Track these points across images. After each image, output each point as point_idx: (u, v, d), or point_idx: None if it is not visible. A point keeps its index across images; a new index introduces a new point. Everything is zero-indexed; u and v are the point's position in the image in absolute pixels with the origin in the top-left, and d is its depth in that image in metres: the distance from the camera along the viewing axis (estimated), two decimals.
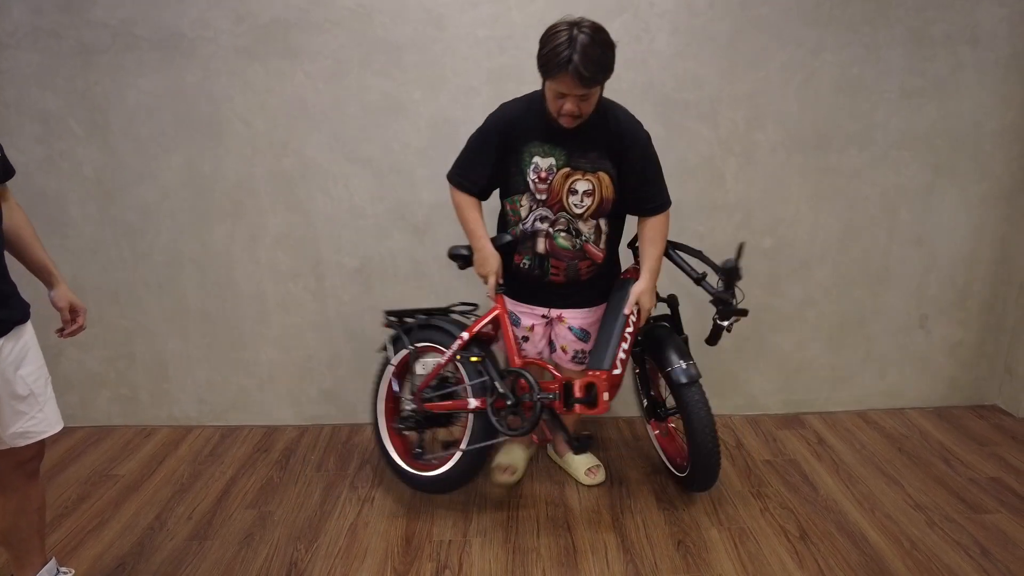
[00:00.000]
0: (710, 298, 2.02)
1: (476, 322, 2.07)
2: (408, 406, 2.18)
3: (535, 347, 2.15)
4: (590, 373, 1.92)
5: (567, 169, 1.87)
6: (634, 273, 2.07)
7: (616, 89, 2.42)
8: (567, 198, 1.90)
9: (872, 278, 2.69)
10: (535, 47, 2.38)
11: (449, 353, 2.07)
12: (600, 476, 2.31)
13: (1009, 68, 2.49)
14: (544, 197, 1.92)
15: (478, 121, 2.00)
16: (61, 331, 1.68)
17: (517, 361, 2.00)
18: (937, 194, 2.61)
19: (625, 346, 1.96)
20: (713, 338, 2.04)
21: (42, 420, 1.58)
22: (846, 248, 2.65)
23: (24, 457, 1.59)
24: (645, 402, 2.35)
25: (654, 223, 1.99)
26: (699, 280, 2.06)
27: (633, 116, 1.94)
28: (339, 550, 2.02)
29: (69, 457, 2.57)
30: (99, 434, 2.74)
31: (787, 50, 2.43)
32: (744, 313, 1.99)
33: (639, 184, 1.93)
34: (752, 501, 2.22)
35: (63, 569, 1.77)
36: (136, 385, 2.78)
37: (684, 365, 1.99)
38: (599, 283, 2.08)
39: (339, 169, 2.53)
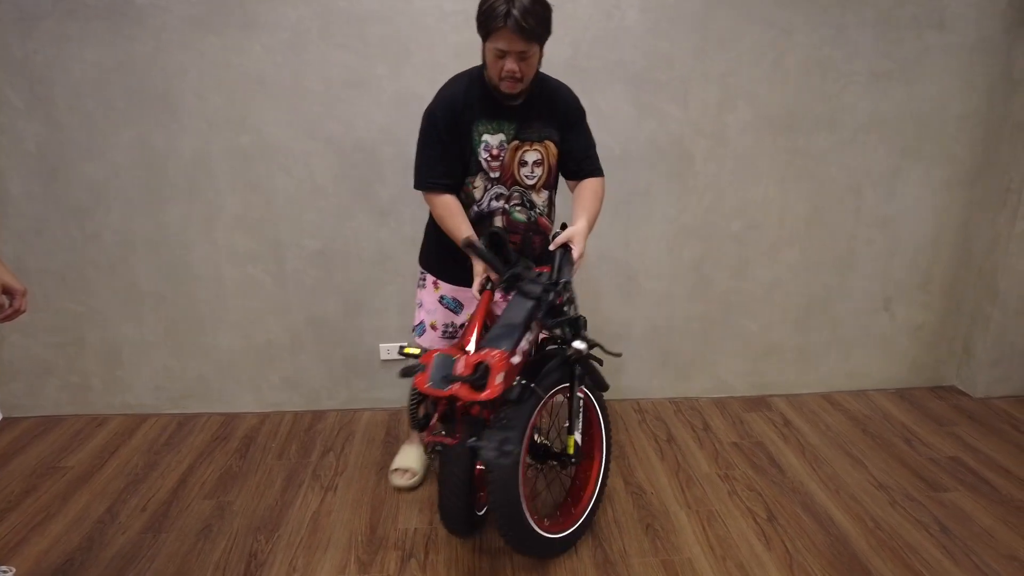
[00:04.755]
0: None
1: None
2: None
3: None
4: (484, 352, 1.57)
5: (516, 142, 1.86)
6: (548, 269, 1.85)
7: (586, 67, 2.39)
8: (518, 170, 1.89)
9: (838, 261, 2.71)
10: None
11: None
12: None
13: (974, 52, 2.51)
14: (498, 175, 1.89)
15: None
16: None
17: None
18: (902, 177, 2.63)
19: (530, 336, 1.71)
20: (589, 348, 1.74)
21: None
22: (813, 230, 2.66)
23: None
24: None
25: (598, 180, 1.97)
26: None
27: (568, 87, 1.94)
28: (301, 540, 1.96)
29: (13, 449, 2.45)
30: (46, 424, 2.62)
31: (758, 30, 2.41)
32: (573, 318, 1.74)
33: (582, 148, 1.95)
34: (720, 484, 2.22)
35: (2, 568, 1.68)
36: (87, 372, 2.66)
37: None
38: (545, 256, 1.98)
39: (299, 147, 2.43)
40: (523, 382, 1.66)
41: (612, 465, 2.32)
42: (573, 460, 1.80)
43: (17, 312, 1.51)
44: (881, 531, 1.99)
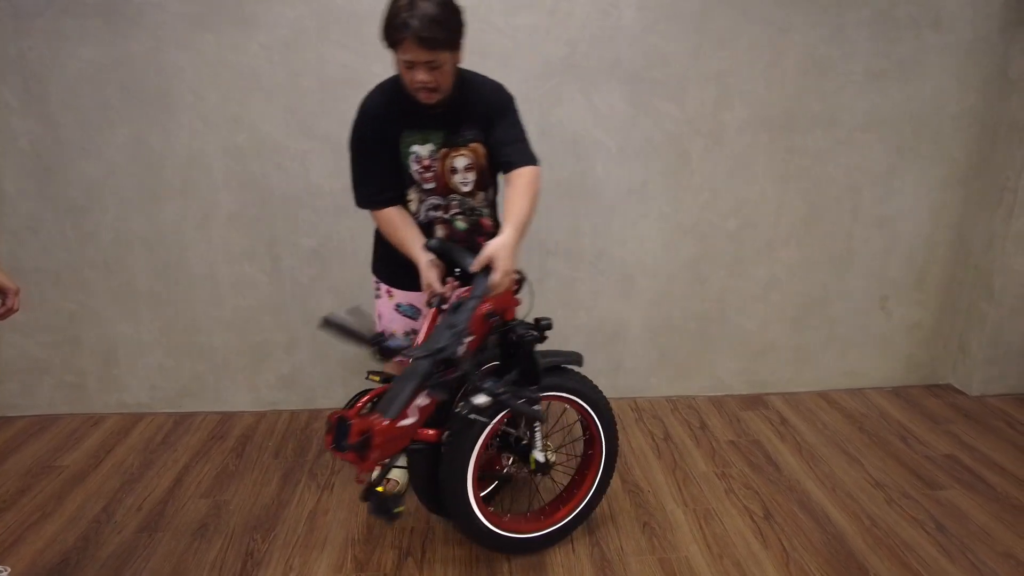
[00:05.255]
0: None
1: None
2: None
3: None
4: (372, 418, 1.54)
5: (444, 149, 1.78)
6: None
7: (582, 66, 2.39)
8: (450, 178, 1.81)
9: (835, 259, 2.71)
10: (499, 20, 2.34)
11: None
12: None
13: (970, 52, 2.51)
14: (432, 185, 1.81)
15: None
16: None
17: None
18: (899, 176, 2.63)
19: (426, 393, 1.61)
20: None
21: None
22: (810, 229, 2.67)
23: None
24: None
25: (527, 171, 1.74)
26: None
27: (494, 80, 1.82)
28: (297, 539, 1.96)
29: (8, 448, 2.44)
30: (42, 423, 2.61)
31: (755, 28, 2.41)
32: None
33: (507, 138, 1.79)
34: (717, 482, 2.22)
35: None
36: (82, 371, 2.65)
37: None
38: None
39: (295, 145, 2.42)
40: (465, 412, 1.62)
41: None
42: (536, 472, 1.82)
43: (10, 311, 1.51)
44: (877, 529, 1.99)
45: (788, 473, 2.27)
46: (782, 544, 1.93)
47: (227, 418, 2.66)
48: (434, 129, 1.76)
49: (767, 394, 2.85)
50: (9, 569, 1.71)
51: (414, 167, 1.79)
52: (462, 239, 1.88)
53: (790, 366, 2.84)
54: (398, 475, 2.17)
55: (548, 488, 2.15)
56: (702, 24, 2.39)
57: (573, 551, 1.90)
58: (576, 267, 2.63)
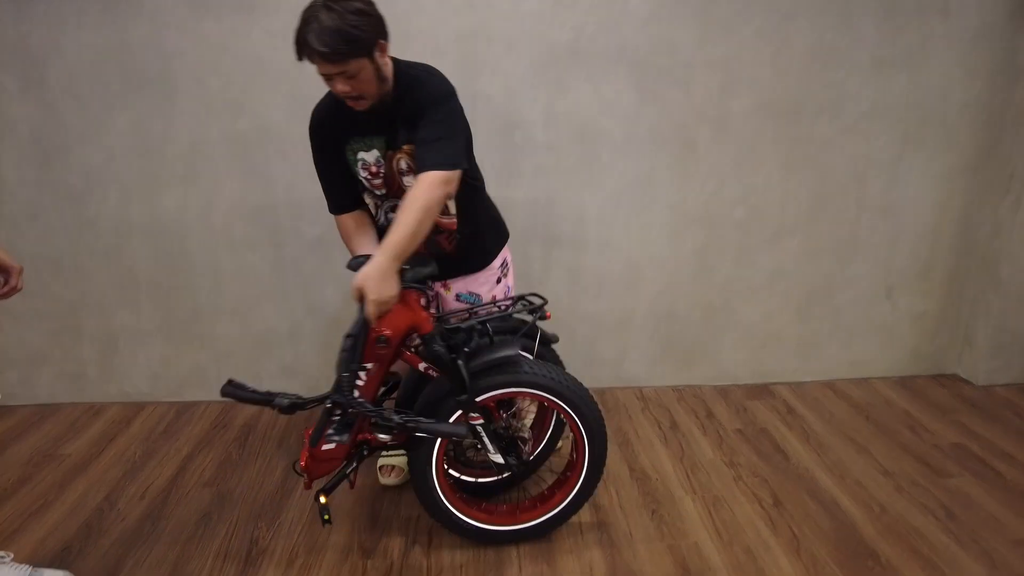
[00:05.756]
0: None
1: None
2: None
3: None
4: (305, 440, 1.68)
5: (390, 152, 1.70)
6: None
7: (588, 52, 2.37)
8: (401, 180, 1.73)
9: (841, 248, 2.70)
10: (505, 5, 2.32)
11: None
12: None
13: (976, 40, 2.50)
14: (384, 191, 1.75)
15: None
16: None
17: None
18: (905, 165, 2.62)
19: (334, 427, 1.65)
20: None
21: None
22: (816, 218, 2.65)
23: None
24: None
25: (422, 180, 1.55)
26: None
27: (434, 74, 1.68)
28: (303, 527, 1.94)
29: (9, 437, 2.41)
30: (42, 412, 2.58)
31: (761, 15, 2.39)
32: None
33: (423, 137, 1.61)
34: (725, 470, 2.21)
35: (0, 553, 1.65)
36: (83, 360, 2.62)
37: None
38: (475, 246, 1.88)
39: (299, 132, 2.35)
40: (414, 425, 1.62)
41: (616, 452, 2.30)
42: (503, 473, 1.84)
43: (14, 290, 1.49)
44: (887, 516, 1.98)
45: (796, 461, 2.26)
46: (792, 531, 1.91)
47: (229, 407, 2.63)
48: (375, 134, 1.69)
49: (773, 383, 2.84)
50: (12, 555, 1.69)
51: (362, 174, 1.74)
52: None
53: (796, 356, 2.83)
54: (402, 463, 2.15)
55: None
56: (707, 11, 2.37)
57: (582, 536, 1.88)
58: (582, 256, 2.61)
